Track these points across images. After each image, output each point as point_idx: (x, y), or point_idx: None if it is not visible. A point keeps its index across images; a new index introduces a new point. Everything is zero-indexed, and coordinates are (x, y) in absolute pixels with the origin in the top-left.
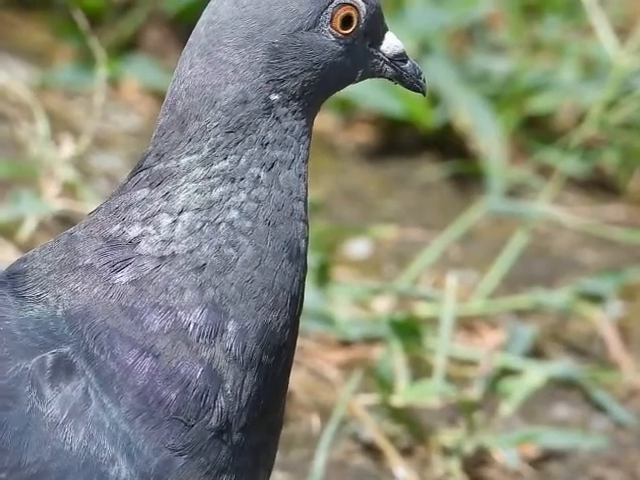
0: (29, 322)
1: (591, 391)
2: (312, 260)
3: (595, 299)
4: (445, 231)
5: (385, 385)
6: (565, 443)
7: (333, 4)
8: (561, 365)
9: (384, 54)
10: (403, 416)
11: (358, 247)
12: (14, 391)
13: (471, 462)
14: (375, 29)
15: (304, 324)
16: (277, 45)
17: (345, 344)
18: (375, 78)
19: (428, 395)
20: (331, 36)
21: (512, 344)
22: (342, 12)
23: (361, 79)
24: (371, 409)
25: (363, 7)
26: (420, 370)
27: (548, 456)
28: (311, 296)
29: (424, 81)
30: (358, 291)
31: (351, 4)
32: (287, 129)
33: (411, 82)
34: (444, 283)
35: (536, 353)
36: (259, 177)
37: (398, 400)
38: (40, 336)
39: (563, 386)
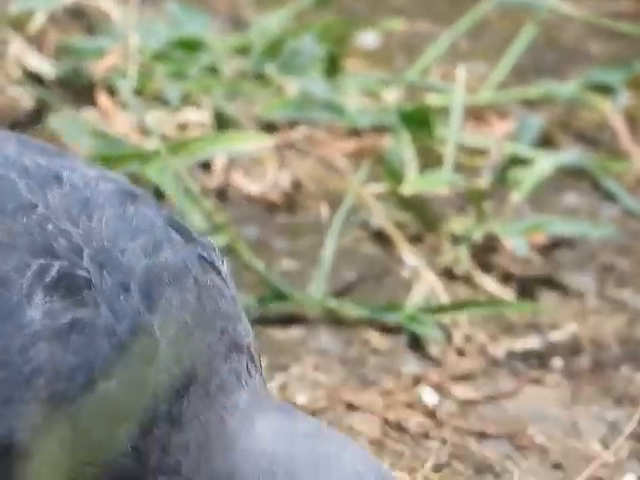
0: None
1: (600, 179)
2: (322, 51)
3: (604, 89)
4: (454, 23)
5: (394, 174)
6: (574, 231)
7: None
8: (570, 154)
9: None
10: (412, 204)
11: (368, 38)
12: (10, 279)
13: (480, 249)
14: None
15: (313, 114)
16: None
17: (354, 133)
18: None
19: (437, 184)
20: None
21: (521, 133)
22: None
23: None
24: (380, 198)
25: None
26: (429, 159)
27: (557, 244)
28: (321, 86)
29: None
30: (368, 81)
31: None
32: None
33: None
34: (453, 75)
35: (545, 142)
36: None
37: (407, 189)
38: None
39: (572, 175)
